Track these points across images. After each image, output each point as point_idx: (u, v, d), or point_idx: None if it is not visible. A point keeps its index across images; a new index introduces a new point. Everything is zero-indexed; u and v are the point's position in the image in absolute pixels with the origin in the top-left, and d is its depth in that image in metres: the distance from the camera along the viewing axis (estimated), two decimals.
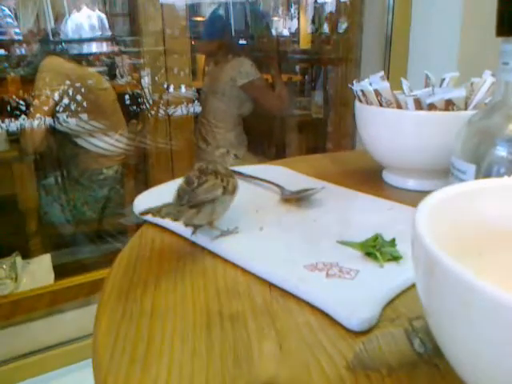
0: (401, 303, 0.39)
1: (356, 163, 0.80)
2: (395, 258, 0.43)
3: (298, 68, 3.03)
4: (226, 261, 0.46)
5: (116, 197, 2.07)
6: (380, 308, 0.37)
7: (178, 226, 0.52)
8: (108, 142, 1.96)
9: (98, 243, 2.04)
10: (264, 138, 2.71)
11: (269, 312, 0.38)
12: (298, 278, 0.40)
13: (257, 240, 0.48)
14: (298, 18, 3.24)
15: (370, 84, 0.62)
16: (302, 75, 3.02)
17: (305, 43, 3.17)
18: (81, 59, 2.00)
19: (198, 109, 2.19)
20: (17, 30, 1.93)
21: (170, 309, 0.39)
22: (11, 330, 1.55)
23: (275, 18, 3.14)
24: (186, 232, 0.51)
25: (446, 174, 0.64)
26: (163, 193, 0.60)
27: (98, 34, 2.08)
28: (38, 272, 1.75)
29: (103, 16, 2.16)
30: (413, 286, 0.41)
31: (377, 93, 0.61)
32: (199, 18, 2.77)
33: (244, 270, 0.44)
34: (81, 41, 2.18)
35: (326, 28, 3.00)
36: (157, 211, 0.46)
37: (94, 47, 2.23)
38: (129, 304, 0.40)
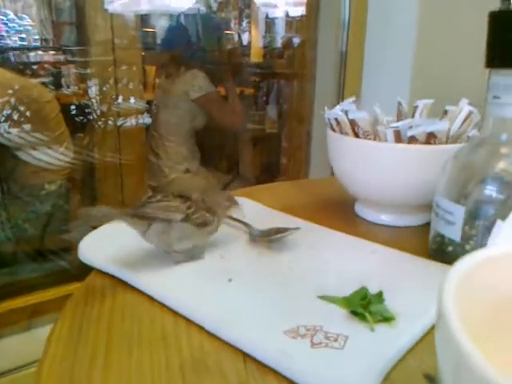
0: (398, 377, 0.33)
1: (324, 193, 0.75)
2: (386, 319, 0.37)
3: (250, 81, 3.00)
4: (189, 321, 0.39)
5: (59, 213, 1.95)
6: None
7: (132, 276, 0.45)
8: (51, 156, 1.85)
9: (41, 262, 1.92)
10: (217, 152, 2.65)
11: None
12: (279, 350, 0.34)
13: (226, 296, 0.42)
14: (250, 32, 3.22)
15: (346, 112, 0.57)
16: (255, 89, 2.99)
17: (256, 56, 3.15)
18: (24, 69, 1.88)
19: (149, 120, 2.11)
20: None
21: None
22: None
23: (227, 31, 3.10)
24: (141, 283, 0.44)
25: (421, 209, 0.60)
26: (111, 234, 0.53)
27: None
28: None
29: None
30: (408, 353, 0.36)
31: (353, 123, 0.56)
32: (150, 29, 2.69)
33: (211, 334, 0.38)
34: (24, 49, 2.07)
35: (278, 42, 2.99)
36: (91, 210, 0.43)
37: (39, 56, 2.12)
38: None
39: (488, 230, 0.45)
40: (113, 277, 0.46)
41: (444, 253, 0.48)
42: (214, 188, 0.51)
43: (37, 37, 2.19)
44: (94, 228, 0.55)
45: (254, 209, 0.63)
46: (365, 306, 0.38)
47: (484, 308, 0.26)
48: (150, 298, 0.43)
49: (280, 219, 0.60)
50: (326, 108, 0.62)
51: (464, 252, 0.46)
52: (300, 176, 2.14)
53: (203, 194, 0.49)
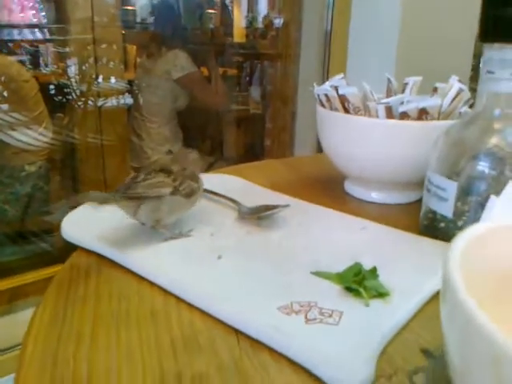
0: (395, 352, 0.33)
1: (312, 171, 0.74)
2: (381, 294, 0.37)
3: (233, 62, 2.96)
4: (179, 299, 0.38)
5: (40, 194, 1.91)
6: (375, 362, 0.31)
7: (119, 253, 0.44)
8: (31, 136, 1.80)
9: (22, 244, 1.89)
10: (200, 133, 2.63)
11: (239, 371, 0.31)
12: (273, 326, 0.33)
13: (216, 273, 0.41)
14: (232, 11, 3.17)
15: (336, 88, 0.56)
16: (238, 69, 2.95)
17: (239, 36, 3.11)
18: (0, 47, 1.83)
19: (130, 101, 2.07)
20: None
21: (112, 371, 0.31)
22: None
23: (209, 10, 3.05)
24: (128, 261, 0.43)
25: (411, 187, 0.59)
26: (94, 211, 0.52)
27: None
28: None
29: None
30: (404, 329, 0.35)
31: (343, 98, 0.55)
32: (130, 7, 2.63)
33: (203, 312, 0.37)
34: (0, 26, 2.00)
35: (260, 22, 2.95)
36: (84, 196, 0.44)
37: (16, 34, 2.06)
38: (58, 368, 0.31)
39: (481, 205, 0.44)
40: (98, 255, 0.45)
41: (436, 229, 0.48)
42: (183, 155, 0.51)
43: None
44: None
45: (242, 186, 0.62)
46: (359, 282, 0.38)
47: (487, 280, 0.25)
48: (138, 276, 0.42)
49: (269, 196, 0.59)
50: (314, 84, 0.60)
51: (456, 228, 0.46)
52: (285, 156, 2.13)
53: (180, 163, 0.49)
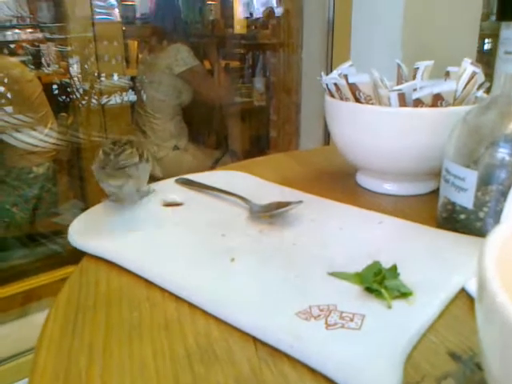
0: (421, 356, 0.31)
1: (321, 164, 0.72)
2: (404, 294, 0.35)
3: (234, 54, 2.93)
4: (192, 306, 0.37)
5: (48, 196, 1.91)
6: (401, 369, 0.29)
7: (129, 260, 0.42)
8: (37, 138, 1.80)
9: (32, 247, 1.89)
10: (205, 128, 2.60)
11: (258, 382, 0.29)
12: (291, 334, 0.32)
13: (229, 277, 0.39)
14: (233, 2, 3.14)
15: (346, 76, 0.54)
16: (240, 61, 2.92)
17: (240, 28, 3.08)
18: (1, 48, 1.82)
19: (134, 98, 2.06)
20: None
21: None
22: None
23: (209, 2, 3.01)
24: (137, 266, 0.41)
25: (426, 177, 0.57)
26: (100, 216, 0.51)
27: None
28: None
29: None
30: (428, 330, 0.33)
31: (354, 87, 0.53)
32: (129, 2, 2.61)
33: (218, 319, 0.35)
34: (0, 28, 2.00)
35: (261, 12, 2.92)
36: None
37: (16, 35, 2.05)
38: None
39: (503, 194, 0.42)
40: (107, 261, 0.44)
41: (456, 221, 0.46)
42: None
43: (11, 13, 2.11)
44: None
45: (251, 183, 0.60)
46: (379, 282, 0.36)
47: None
48: (149, 283, 0.40)
49: (279, 192, 0.57)
50: (322, 73, 0.58)
51: (478, 219, 0.44)
52: (290, 148, 2.11)
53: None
